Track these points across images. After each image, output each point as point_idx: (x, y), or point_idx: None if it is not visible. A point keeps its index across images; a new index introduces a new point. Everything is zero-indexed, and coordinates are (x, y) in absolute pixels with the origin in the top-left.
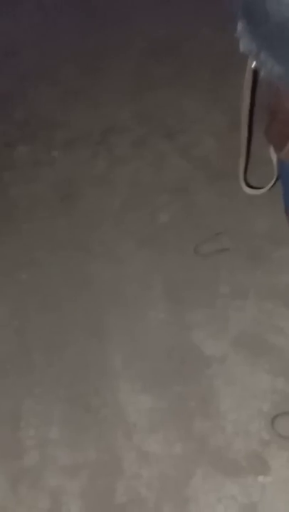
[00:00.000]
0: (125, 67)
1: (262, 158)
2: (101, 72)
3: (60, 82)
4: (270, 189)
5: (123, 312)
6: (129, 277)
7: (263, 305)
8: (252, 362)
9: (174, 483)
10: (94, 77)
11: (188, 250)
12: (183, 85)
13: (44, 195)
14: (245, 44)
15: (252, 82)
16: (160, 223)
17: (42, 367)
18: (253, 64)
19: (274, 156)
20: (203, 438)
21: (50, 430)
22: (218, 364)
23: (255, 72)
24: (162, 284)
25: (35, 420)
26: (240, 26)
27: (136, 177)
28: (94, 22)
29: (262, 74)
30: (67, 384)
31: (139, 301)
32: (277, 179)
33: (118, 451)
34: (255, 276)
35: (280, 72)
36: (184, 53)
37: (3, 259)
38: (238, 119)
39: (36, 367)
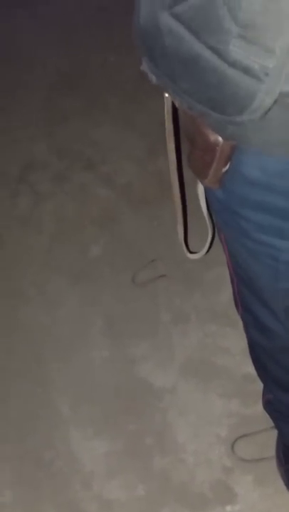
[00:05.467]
0: (34, 103)
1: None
2: (10, 110)
3: None
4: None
5: (64, 355)
6: (66, 317)
7: (205, 327)
8: (203, 388)
9: None
10: (3, 115)
11: (125, 281)
12: (95, 114)
13: None
14: (153, 79)
15: (172, 113)
16: (92, 257)
17: None
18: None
19: (203, 201)
20: (165, 475)
21: (3, 494)
22: (169, 395)
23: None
24: (101, 320)
25: None
26: (144, 62)
27: (61, 212)
28: None
29: (176, 105)
30: (14, 440)
31: (78, 341)
32: (214, 232)
33: (79, 504)
34: (194, 300)
35: (189, 104)
36: (91, 82)
37: None
38: (154, 141)
39: None
